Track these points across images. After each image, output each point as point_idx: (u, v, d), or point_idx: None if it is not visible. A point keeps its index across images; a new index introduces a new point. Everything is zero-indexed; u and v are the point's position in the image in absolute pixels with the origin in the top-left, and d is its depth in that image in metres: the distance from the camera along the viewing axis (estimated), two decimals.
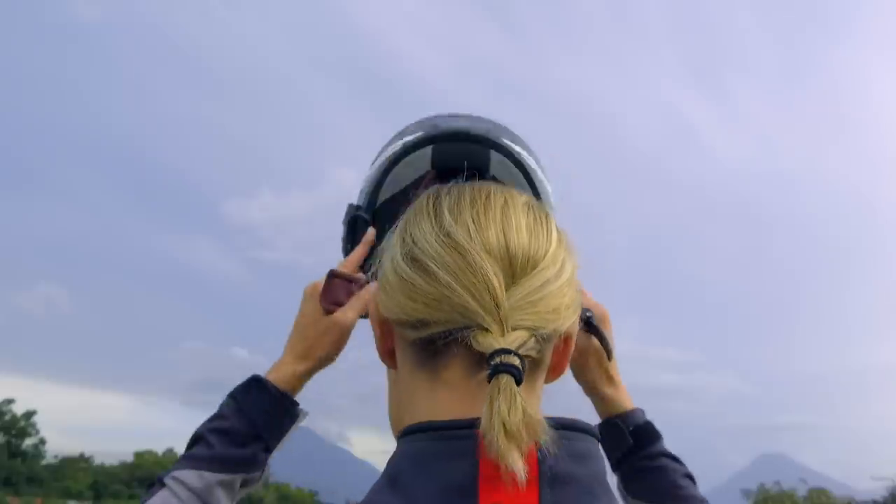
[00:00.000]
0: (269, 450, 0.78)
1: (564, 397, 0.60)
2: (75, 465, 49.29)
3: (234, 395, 0.79)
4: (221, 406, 0.79)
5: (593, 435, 0.49)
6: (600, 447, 0.49)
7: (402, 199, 0.70)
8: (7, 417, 46.02)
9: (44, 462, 47.68)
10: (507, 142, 0.80)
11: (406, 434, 0.49)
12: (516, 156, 0.80)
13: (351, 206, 0.85)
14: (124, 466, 51.03)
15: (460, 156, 0.78)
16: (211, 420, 0.78)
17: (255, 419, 0.77)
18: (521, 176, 0.80)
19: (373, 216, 0.82)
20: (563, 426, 0.46)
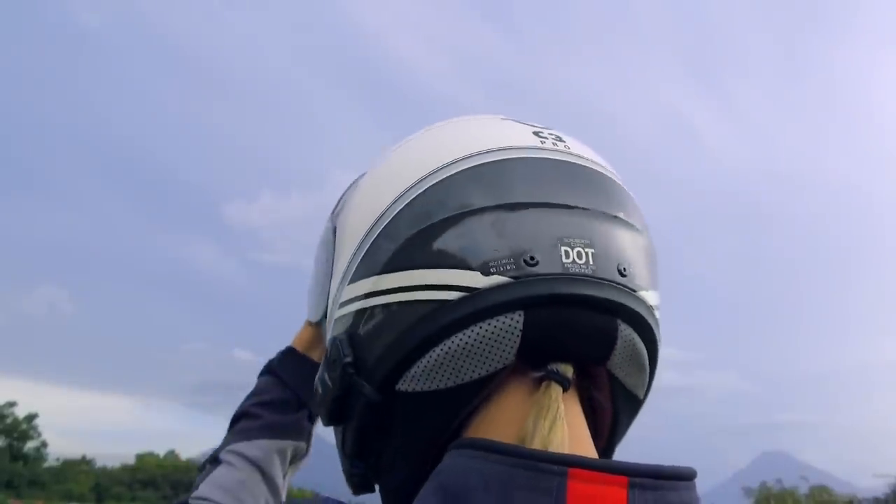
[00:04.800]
0: (311, 418, 0.77)
1: None
2: (77, 467, 49.33)
3: (270, 370, 0.78)
4: (258, 383, 0.78)
5: (690, 479, 0.43)
6: (697, 495, 0.43)
7: (448, 404, 0.47)
8: (9, 420, 46.07)
9: (45, 465, 47.71)
10: (643, 294, 0.48)
11: (473, 447, 0.43)
12: (651, 325, 0.49)
13: (343, 362, 0.49)
14: (126, 469, 51.08)
15: (570, 334, 0.46)
16: (250, 397, 0.77)
17: (295, 387, 0.76)
18: (645, 359, 0.50)
19: (390, 401, 0.47)
20: (653, 474, 0.41)
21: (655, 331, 0.49)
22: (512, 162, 0.48)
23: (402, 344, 0.46)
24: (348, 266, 0.51)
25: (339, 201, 0.68)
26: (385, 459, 0.50)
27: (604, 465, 0.41)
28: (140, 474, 49.11)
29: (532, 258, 0.45)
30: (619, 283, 0.46)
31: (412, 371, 0.46)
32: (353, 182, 0.65)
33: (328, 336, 0.53)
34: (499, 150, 0.49)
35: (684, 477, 0.42)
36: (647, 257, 0.50)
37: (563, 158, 0.49)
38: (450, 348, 0.45)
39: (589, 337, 0.46)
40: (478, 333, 0.45)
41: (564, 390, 0.45)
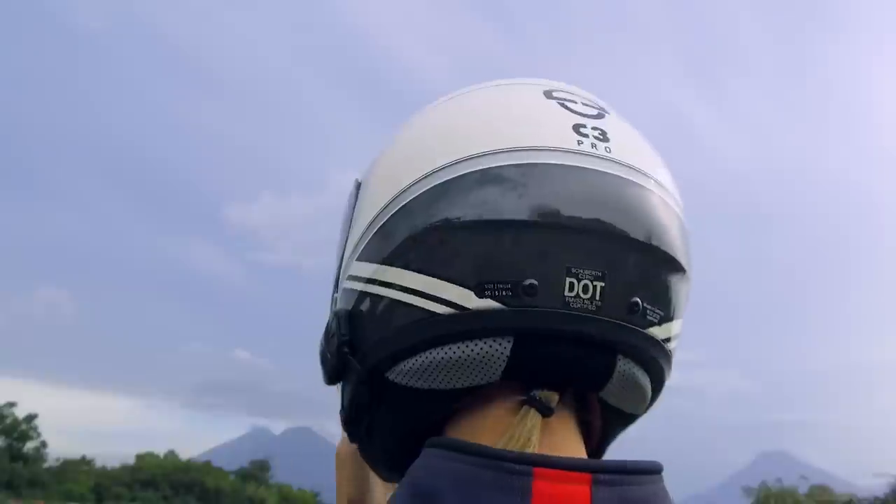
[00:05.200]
0: None
1: None
2: (77, 467, 49.27)
3: None
4: None
5: (655, 472, 0.42)
6: (663, 487, 0.43)
7: (431, 403, 0.46)
8: (9, 421, 46.04)
9: (45, 465, 47.69)
10: (652, 332, 0.45)
11: (443, 447, 0.43)
12: (654, 360, 0.46)
13: (339, 338, 0.49)
14: (126, 469, 51.04)
15: (560, 366, 0.44)
16: None
17: None
18: (646, 387, 0.47)
19: (380, 385, 0.47)
20: (617, 470, 0.41)
21: (663, 363, 0.47)
22: (539, 168, 0.43)
23: (394, 340, 0.46)
24: (361, 238, 0.49)
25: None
26: (373, 429, 0.51)
27: (568, 463, 0.40)
28: (140, 474, 49.09)
29: (531, 286, 0.42)
30: (624, 322, 0.43)
31: (399, 367, 0.46)
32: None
33: (336, 304, 0.53)
34: (528, 149, 0.44)
35: (647, 471, 0.42)
36: (672, 288, 0.46)
37: (599, 168, 0.44)
38: (434, 358, 0.44)
39: (582, 370, 0.44)
40: (463, 351, 0.44)
41: (545, 417, 0.44)
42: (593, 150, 0.44)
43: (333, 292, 0.54)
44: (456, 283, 0.43)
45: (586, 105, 0.48)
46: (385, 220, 0.47)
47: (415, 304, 0.44)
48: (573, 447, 0.46)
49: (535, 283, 0.42)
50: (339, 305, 0.51)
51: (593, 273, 0.42)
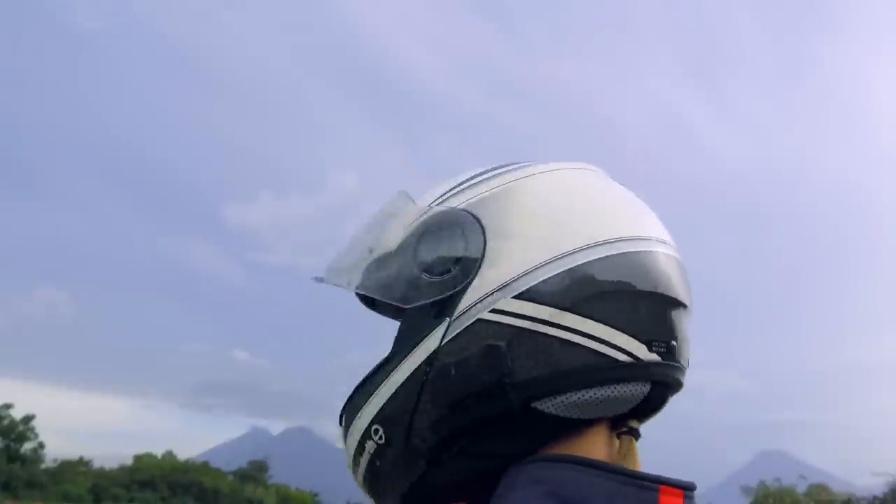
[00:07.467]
0: None
1: None
2: (74, 468, 49.04)
3: None
4: None
5: (693, 490, 0.55)
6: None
7: (559, 427, 0.60)
8: (6, 422, 45.82)
9: (43, 466, 47.46)
10: None
11: (582, 464, 0.54)
12: None
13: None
14: (124, 469, 50.81)
15: (654, 404, 0.65)
16: None
17: None
18: None
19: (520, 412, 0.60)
20: (688, 487, 0.55)
21: None
22: (663, 256, 0.62)
23: (563, 377, 0.56)
24: (517, 279, 0.57)
25: (458, 186, 0.64)
26: (457, 453, 0.58)
27: (675, 482, 0.54)
28: (138, 475, 48.85)
29: (672, 345, 0.60)
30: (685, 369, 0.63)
31: (557, 399, 0.56)
32: (493, 177, 0.63)
33: (461, 323, 0.57)
34: (659, 241, 0.62)
35: (692, 488, 0.55)
36: None
37: (676, 255, 0.64)
38: (599, 395, 0.57)
39: (657, 406, 0.64)
40: (620, 391, 0.58)
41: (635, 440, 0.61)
42: (669, 241, 0.65)
43: (446, 320, 0.56)
44: (634, 338, 0.57)
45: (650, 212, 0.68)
46: (559, 270, 0.57)
47: (594, 348, 0.56)
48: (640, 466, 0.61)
49: (675, 343, 0.60)
50: (483, 336, 0.56)
51: (683, 337, 0.62)
